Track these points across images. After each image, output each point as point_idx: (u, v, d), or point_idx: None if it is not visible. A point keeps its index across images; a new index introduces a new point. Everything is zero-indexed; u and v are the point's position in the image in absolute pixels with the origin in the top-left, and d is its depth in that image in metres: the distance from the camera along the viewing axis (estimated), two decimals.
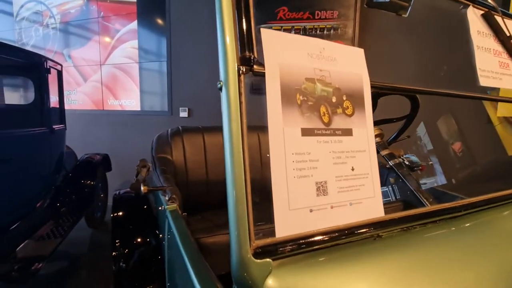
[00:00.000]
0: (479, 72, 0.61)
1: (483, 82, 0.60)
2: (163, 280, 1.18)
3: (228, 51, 0.34)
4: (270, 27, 2.71)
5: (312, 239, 0.34)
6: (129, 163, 3.32)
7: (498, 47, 0.66)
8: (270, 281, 0.31)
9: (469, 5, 0.62)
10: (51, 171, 2.13)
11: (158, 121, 3.29)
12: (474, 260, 0.47)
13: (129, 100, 3.40)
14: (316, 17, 2.57)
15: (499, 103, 2.10)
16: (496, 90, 1.22)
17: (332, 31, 2.54)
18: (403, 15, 0.59)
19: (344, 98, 0.41)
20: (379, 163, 0.59)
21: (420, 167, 0.77)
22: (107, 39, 3.41)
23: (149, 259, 1.36)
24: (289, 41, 0.40)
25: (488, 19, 0.64)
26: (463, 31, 0.64)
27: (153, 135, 3.21)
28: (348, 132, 0.40)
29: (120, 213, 1.63)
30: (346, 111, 0.41)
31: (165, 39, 3.13)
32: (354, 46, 2.53)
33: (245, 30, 0.36)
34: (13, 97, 2.52)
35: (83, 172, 2.72)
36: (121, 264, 1.36)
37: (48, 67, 1.96)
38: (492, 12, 0.65)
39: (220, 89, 0.36)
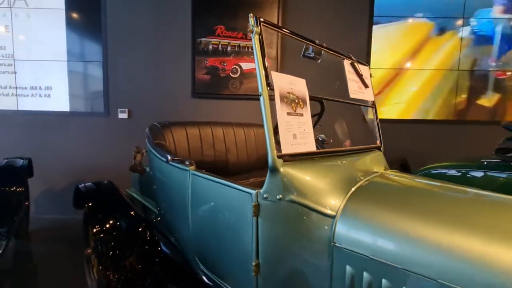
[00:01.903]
0: (349, 91, 1.29)
1: (351, 95, 1.30)
2: (140, 257, 1.49)
3: (262, 79, 0.85)
4: (209, 42, 3.19)
5: (294, 154, 0.89)
6: (54, 168, 3.17)
7: (357, 78, 1.38)
8: (281, 168, 0.84)
9: (344, 58, 1.31)
10: None
11: (93, 122, 3.26)
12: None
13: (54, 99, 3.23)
14: (247, 38, 3.20)
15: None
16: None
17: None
18: (317, 61, 1.22)
19: (299, 100, 0.97)
20: None
21: (326, 141, 1.46)
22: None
23: (123, 241, 1.64)
24: (281, 76, 0.94)
25: (352, 65, 1.35)
26: (343, 69, 1.33)
27: (88, 137, 3.18)
28: (302, 114, 0.96)
29: (90, 203, 1.81)
30: (299, 106, 0.97)
31: (99, 40, 3.16)
32: (277, 64, 3.27)
33: (268, 68, 0.86)
34: None
35: (6, 178, 2.51)
36: (100, 248, 1.59)
37: None
38: (354, 61, 1.36)
39: (260, 95, 0.85)
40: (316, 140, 1.45)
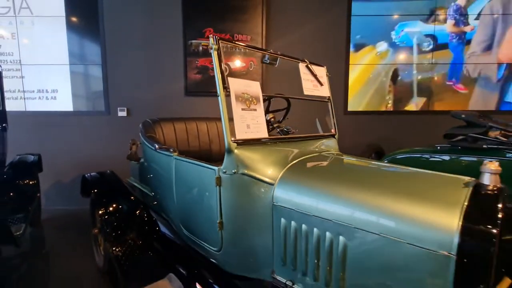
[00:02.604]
0: (304, 89, 1.59)
1: (305, 92, 1.59)
2: (140, 234, 1.80)
3: (220, 85, 1.14)
4: (200, 43, 3.48)
5: (247, 140, 1.18)
6: (61, 163, 3.49)
7: (312, 78, 1.67)
8: (236, 150, 1.14)
9: (299, 62, 1.60)
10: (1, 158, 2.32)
11: (95, 120, 3.58)
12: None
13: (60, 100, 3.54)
14: (235, 39, 3.48)
15: (349, 102, 3.50)
16: None
17: (246, 50, 3.49)
18: (275, 66, 1.52)
19: (253, 99, 1.26)
20: (276, 127, 1.54)
21: (291, 131, 1.75)
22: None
23: (124, 221, 1.95)
24: (237, 81, 1.23)
25: (307, 67, 1.64)
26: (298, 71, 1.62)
27: (89, 133, 3.49)
28: (255, 109, 1.25)
29: (96, 190, 2.13)
30: (253, 103, 1.27)
31: (98, 43, 3.46)
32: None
33: (224, 76, 1.16)
34: None
35: (20, 172, 2.83)
36: (105, 227, 1.91)
37: (1, 71, 2.21)
38: (308, 64, 1.65)
39: (218, 96, 1.15)
40: (282, 130, 1.75)
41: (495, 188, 0.80)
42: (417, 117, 3.59)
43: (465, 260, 0.70)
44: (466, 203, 0.76)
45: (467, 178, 0.91)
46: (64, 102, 3.54)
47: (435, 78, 3.58)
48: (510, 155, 1.85)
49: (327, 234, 0.95)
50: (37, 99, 3.52)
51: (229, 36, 3.48)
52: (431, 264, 0.74)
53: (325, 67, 1.80)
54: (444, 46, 3.54)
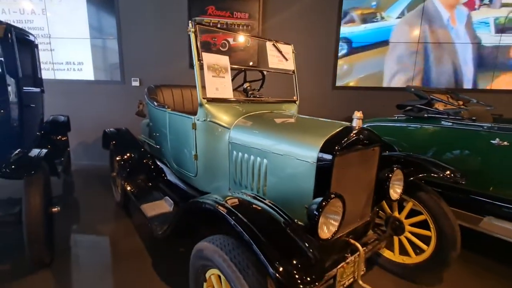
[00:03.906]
0: (269, 63, 2.05)
1: (270, 65, 2.05)
2: (148, 177, 2.42)
3: (195, 58, 1.64)
4: (202, 20, 3.90)
5: (215, 98, 1.69)
6: (85, 124, 4.16)
7: (278, 54, 2.11)
8: (206, 105, 1.66)
9: (266, 41, 2.05)
10: (40, 118, 2.99)
11: (112, 89, 4.19)
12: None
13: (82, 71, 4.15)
14: (234, 16, 3.88)
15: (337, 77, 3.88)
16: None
17: (244, 27, 3.89)
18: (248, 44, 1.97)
19: (222, 69, 1.75)
20: (250, 94, 2.07)
21: (262, 97, 2.25)
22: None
23: (136, 164, 2.56)
24: (210, 56, 1.72)
25: (273, 45, 2.09)
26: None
27: (108, 100, 4.11)
28: (224, 77, 1.74)
29: (114, 142, 2.75)
30: (222, 72, 1.76)
31: (114, 18, 3.96)
32: (259, 37, 3.95)
33: (199, 52, 1.65)
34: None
35: (54, 129, 3.51)
36: (121, 169, 2.53)
37: (37, 44, 2.80)
38: (274, 42, 2.09)
39: (195, 66, 1.65)
40: (254, 96, 2.24)
41: (355, 128, 1.29)
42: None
43: (320, 165, 1.21)
44: (330, 135, 1.26)
45: (345, 123, 1.39)
46: (87, 72, 4.16)
47: None
48: (444, 122, 2.26)
49: (258, 158, 1.49)
50: (66, 70, 4.15)
51: (229, 14, 3.88)
52: (307, 168, 1.26)
53: (292, 45, 2.23)
54: None
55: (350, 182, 1.33)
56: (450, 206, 1.71)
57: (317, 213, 1.04)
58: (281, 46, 2.13)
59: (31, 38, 2.68)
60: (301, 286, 0.82)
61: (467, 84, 3.85)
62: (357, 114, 1.30)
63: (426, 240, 1.74)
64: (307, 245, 0.95)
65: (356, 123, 1.30)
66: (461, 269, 1.98)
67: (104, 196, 3.15)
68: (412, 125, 2.48)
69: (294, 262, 0.87)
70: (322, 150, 1.22)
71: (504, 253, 2.17)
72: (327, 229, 1.12)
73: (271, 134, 1.47)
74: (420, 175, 1.65)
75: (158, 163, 2.58)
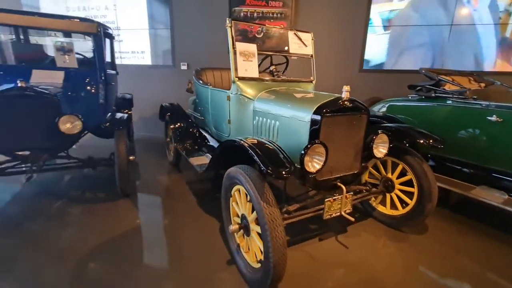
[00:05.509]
0: (290, 48, 2.53)
1: (291, 51, 2.54)
2: (194, 142, 3.14)
3: (231, 47, 2.21)
4: (241, 10, 4.44)
5: (244, 77, 2.27)
6: (144, 101, 5.07)
7: (298, 41, 2.58)
8: (237, 82, 2.25)
9: (288, 30, 2.54)
10: (116, 95, 3.90)
11: (164, 72, 5.01)
12: None
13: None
14: (269, 5, 4.34)
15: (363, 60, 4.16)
16: None
17: (279, 15, 4.34)
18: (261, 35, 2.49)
19: (250, 54, 2.30)
20: (275, 75, 2.63)
21: (284, 77, 2.76)
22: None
23: (185, 131, 3.28)
24: (242, 44, 2.29)
25: (295, 34, 2.56)
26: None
27: (161, 82, 4.94)
28: (251, 61, 2.29)
29: (169, 113, 3.52)
30: (250, 57, 2.31)
31: (168, 10, 4.69)
32: (291, 25, 4.38)
33: (234, 42, 2.22)
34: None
35: (122, 104, 4.44)
36: (174, 135, 3.27)
37: (114, 36, 3.64)
38: (295, 31, 2.57)
39: (229, 53, 2.23)
40: (279, 76, 2.77)
41: (343, 98, 1.76)
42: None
43: (312, 123, 1.73)
44: (322, 103, 1.75)
45: (337, 95, 1.86)
46: (146, 58, 5.03)
47: None
48: (449, 101, 2.54)
49: (272, 121, 2.05)
50: (132, 58, 5.08)
51: (265, 3, 4.35)
52: (304, 126, 1.78)
53: (311, 33, 2.68)
54: None
55: (338, 138, 1.82)
56: (452, 177, 2.11)
57: (303, 152, 1.58)
58: (301, 34, 2.60)
59: (110, 31, 3.52)
60: (282, 172, 1.40)
61: (488, 67, 3.82)
62: (346, 88, 1.77)
63: (411, 196, 2.15)
64: (292, 168, 1.49)
65: (344, 94, 1.77)
66: (447, 227, 2.35)
67: (160, 157, 4.01)
68: (421, 104, 2.77)
69: (280, 168, 1.43)
70: (315, 112, 1.72)
71: (490, 218, 2.46)
72: (312, 167, 1.65)
73: (282, 103, 2.01)
74: (405, 140, 2.05)
75: (202, 131, 3.28)
